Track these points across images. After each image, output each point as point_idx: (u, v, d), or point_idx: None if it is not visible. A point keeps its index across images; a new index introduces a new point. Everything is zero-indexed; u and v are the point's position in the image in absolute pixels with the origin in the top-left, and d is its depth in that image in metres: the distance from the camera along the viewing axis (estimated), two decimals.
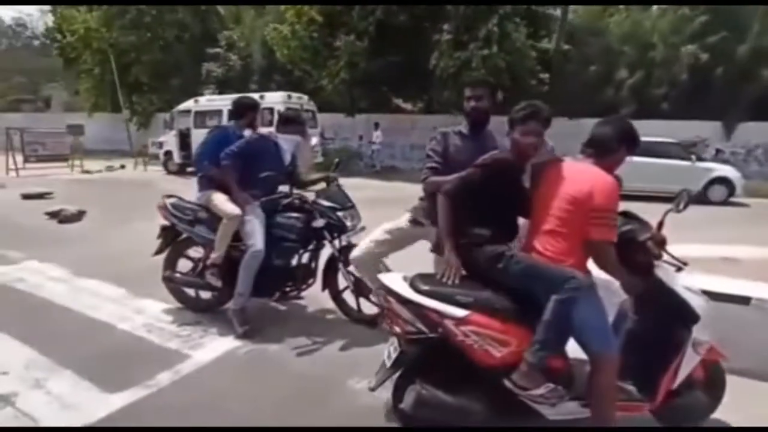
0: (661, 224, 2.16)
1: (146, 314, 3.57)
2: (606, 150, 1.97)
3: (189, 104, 14.74)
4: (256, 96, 12.70)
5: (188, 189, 4.10)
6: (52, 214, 7.10)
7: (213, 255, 3.30)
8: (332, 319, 3.58)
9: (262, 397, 2.57)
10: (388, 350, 2.08)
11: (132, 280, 4.16)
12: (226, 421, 2.32)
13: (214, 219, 3.33)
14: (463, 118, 2.74)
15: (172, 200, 3.55)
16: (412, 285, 1.99)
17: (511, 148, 2.12)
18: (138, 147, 18.40)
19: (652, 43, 15.69)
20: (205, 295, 3.62)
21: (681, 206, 2.18)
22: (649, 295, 2.07)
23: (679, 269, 2.13)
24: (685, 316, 2.02)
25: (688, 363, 2.05)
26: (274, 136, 3.50)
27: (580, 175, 1.93)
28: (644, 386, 2.09)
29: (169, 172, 14.76)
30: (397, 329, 1.99)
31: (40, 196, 9.16)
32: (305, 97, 14.31)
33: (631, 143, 1.99)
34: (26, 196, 9.11)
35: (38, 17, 33.82)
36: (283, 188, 3.63)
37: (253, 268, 3.18)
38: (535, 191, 2.10)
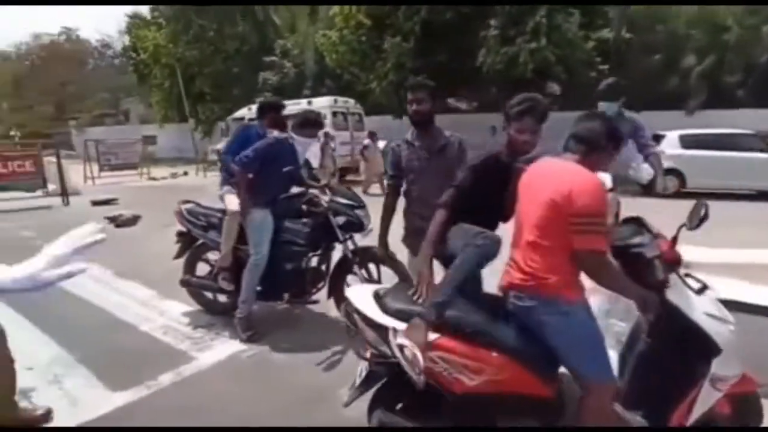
0: (675, 240, 1.84)
1: (167, 316, 3.73)
2: (595, 147, 1.72)
3: (243, 112, 15.34)
4: (304, 102, 13.20)
5: None
6: (111, 219, 7.68)
7: (219, 256, 3.35)
8: (343, 325, 3.51)
9: (257, 400, 2.58)
10: (360, 368, 1.96)
11: (163, 282, 4.35)
12: (218, 422, 2.35)
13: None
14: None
15: (188, 206, 3.66)
16: (381, 302, 1.84)
17: (506, 145, 2.10)
18: (202, 154, 19.54)
19: (725, 26, 14.18)
20: (222, 298, 3.70)
21: (695, 221, 1.84)
22: (661, 319, 1.77)
23: (702, 289, 1.79)
24: (704, 347, 1.71)
25: (706, 400, 1.76)
26: (290, 138, 3.51)
27: (559, 175, 1.67)
28: (653, 418, 1.82)
29: None
30: (365, 351, 1.85)
31: (106, 202, 10.01)
32: (351, 101, 14.40)
33: (618, 141, 1.77)
34: (95, 203, 9.99)
35: (117, 38, 37.25)
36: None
37: (255, 276, 3.22)
38: (515, 195, 1.89)
